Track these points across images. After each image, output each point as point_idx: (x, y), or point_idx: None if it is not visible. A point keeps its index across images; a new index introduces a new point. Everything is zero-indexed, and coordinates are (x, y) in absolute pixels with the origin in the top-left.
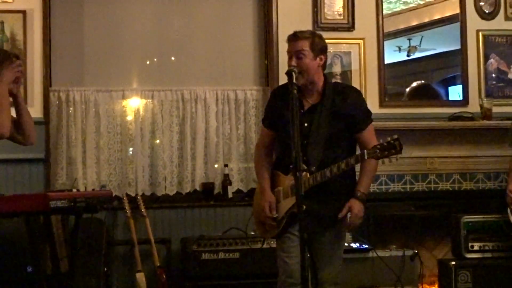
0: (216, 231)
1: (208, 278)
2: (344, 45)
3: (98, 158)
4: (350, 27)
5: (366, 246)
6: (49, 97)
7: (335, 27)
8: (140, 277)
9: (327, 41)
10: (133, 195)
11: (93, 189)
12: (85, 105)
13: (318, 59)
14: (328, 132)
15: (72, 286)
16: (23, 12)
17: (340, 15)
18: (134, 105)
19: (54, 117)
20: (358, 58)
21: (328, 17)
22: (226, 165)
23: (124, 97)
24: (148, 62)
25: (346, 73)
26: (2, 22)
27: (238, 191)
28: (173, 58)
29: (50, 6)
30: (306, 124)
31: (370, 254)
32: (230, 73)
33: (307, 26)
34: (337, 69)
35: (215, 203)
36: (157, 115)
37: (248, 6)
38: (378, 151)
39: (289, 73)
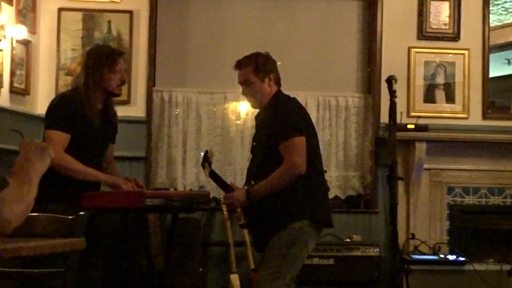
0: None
1: (302, 284)
2: (448, 55)
3: (198, 159)
4: (455, 37)
5: (463, 258)
6: (152, 96)
7: (439, 37)
8: (234, 278)
9: (431, 50)
10: None
11: (191, 189)
12: (187, 106)
13: (267, 80)
14: (261, 147)
15: (166, 284)
16: (130, 12)
17: (445, 24)
18: (235, 107)
19: (156, 116)
20: (462, 68)
21: (433, 26)
22: (324, 171)
23: (225, 99)
24: None
25: (449, 85)
26: (109, 22)
27: (336, 197)
28: (279, 63)
29: (157, 7)
30: (254, 144)
31: (466, 267)
32: (332, 79)
33: (412, 34)
34: (440, 79)
35: None
36: None
37: (353, 13)
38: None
39: (389, 81)
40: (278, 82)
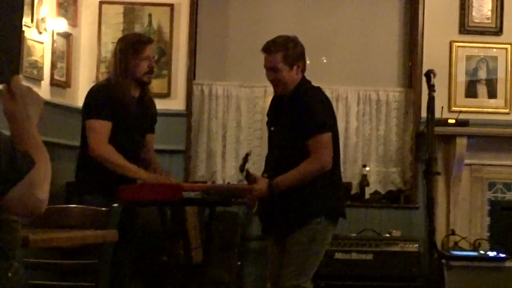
0: (351, 231)
1: (340, 278)
2: (491, 49)
3: (237, 153)
4: (498, 31)
5: (503, 255)
6: (192, 90)
7: (482, 31)
8: None
9: (473, 44)
10: None
11: (228, 183)
12: (227, 100)
13: (295, 67)
14: (283, 136)
15: (204, 277)
16: (171, 6)
17: (488, 18)
18: None
19: (196, 110)
20: (505, 63)
21: (476, 20)
22: (364, 166)
23: (266, 93)
24: None
25: (491, 80)
26: (150, 15)
27: (376, 192)
28: (323, 59)
29: (198, 0)
30: (272, 129)
31: (507, 263)
32: (373, 74)
33: (454, 28)
34: (482, 74)
35: (351, 203)
36: None
37: (394, 7)
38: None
39: (427, 75)
40: (304, 70)
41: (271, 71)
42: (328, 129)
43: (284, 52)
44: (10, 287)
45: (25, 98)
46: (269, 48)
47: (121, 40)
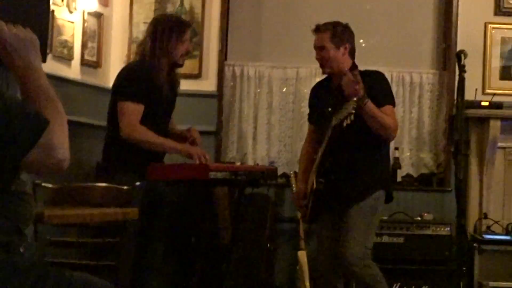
0: (382, 214)
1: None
2: None
3: (269, 134)
4: None
5: None
6: (224, 71)
7: None
8: (302, 255)
9: (508, 26)
10: None
11: (257, 164)
12: (259, 81)
13: (342, 48)
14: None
15: (233, 258)
16: None
17: None
18: (308, 83)
19: (228, 91)
20: None
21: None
22: (396, 148)
23: (298, 74)
24: None
25: None
26: None
27: (408, 175)
28: (361, 41)
29: None
30: (330, 109)
31: None
32: (407, 55)
33: (489, 10)
34: None
35: None
36: None
37: None
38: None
39: (458, 55)
40: (352, 54)
41: (319, 50)
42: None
43: (332, 31)
44: (22, 263)
45: (17, 45)
46: (319, 27)
47: (159, 21)
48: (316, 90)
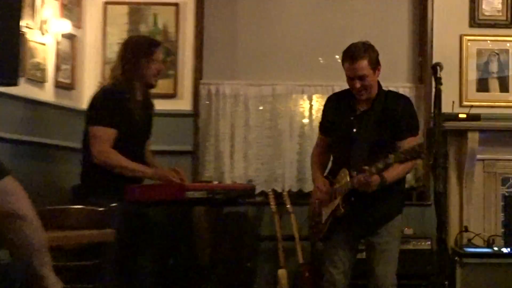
0: None
1: (354, 277)
2: (502, 42)
3: (246, 153)
4: (509, 23)
5: None
6: (199, 90)
7: (493, 24)
8: (282, 273)
9: (484, 38)
10: (279, 190)
11: (235, 183)
12: (235, 99)
13: (377, 72)
14: (374, 138)
15: (213, 279)
16: (176, 5)
17: (498, 11)
18: (284, 100)
19: (204, 110)
20: None
21: (486, 13)
22: None
23: (274, 91)
24: (303, 58)
25: (503, 73)
26: (155, 15)
27: None
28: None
29: None
30: (354, 130)
31: None
32: (383, 70)
33: (464, 22)
34: (493, 68)
35: None
36: (306, 110)
37: (403, 2)
38: (403, 155)
39: (434, 67)
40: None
41: (359, 79)
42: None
43: (368, 57)
44: None
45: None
46: (355, 55)
47: (129, 43)
48: (334, 103)
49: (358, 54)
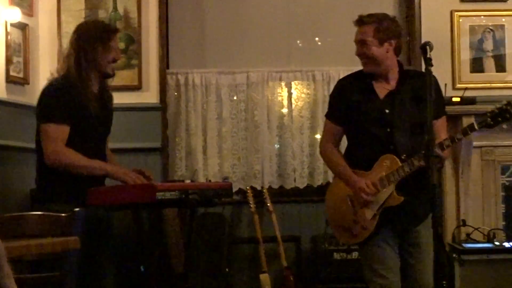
0: None
1: (340, 281)
2: (497, 18)
3: (220, 148)
4: None
5: None
6: (166, 80)
7: None
8: (265, 278)
9: (477, 13)
10: (259, 188)
11: (209, 181)
12: (206, 89)
13: (385, 44)
14: (412, 118)
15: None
16: None
17: None
18: (260, 88)
19: (172, 102)
20: None
21: None
22: None
23: (249, 79)
24: (280, 41)
25: (499, 51)
26: None
27: None
28: (317, 39)
29: None
30: (387, 111)
31: None
32: None
33: None
34: (488, 46)
35: None
36: (285, 99)
37: None
38: (489, 118)
39: (423, 47)
40: (397, 51)
41: (359, 44)
42: None
43: (376, 26)
44: None
45: None
46: (362, 19)
47: (82, 29)
48: (350, 86)
49: (367, 19)
